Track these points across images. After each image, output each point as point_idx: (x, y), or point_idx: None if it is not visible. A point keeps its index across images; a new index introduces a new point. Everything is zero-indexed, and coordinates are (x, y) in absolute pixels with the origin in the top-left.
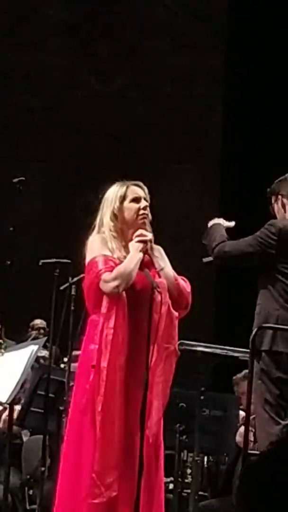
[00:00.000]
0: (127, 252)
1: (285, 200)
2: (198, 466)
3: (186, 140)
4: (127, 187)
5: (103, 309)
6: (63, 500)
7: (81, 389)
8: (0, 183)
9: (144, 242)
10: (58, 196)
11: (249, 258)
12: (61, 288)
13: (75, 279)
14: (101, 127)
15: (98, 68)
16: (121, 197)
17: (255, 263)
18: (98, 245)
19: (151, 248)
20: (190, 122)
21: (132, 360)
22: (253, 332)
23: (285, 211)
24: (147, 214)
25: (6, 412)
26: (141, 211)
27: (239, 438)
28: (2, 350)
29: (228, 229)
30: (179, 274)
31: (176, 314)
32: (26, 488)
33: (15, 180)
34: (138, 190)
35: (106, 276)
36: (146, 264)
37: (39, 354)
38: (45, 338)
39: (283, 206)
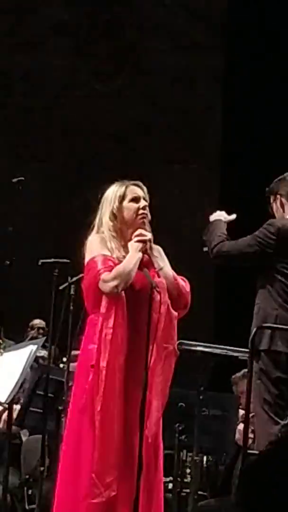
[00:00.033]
0: (126, 252)
1: (283, 200)
2: (197, 466)
3: (185, 140)
4: (126, 187)
5: (102, 309)
6: (62, 500)
7: (80, 389)
8: None
9: (143, 241)
10: (57, 196)
11: (248, 258)
12: (60, 288)
13: (74, 279)
14: (101, 127)
15: (98, 68)
16: (121, 196)
17: (254, 263)
18: (97, 245)
19: (150, 247)
20: (189, 122)
21: (131, 360)
22: (253, 332)
23: (283, 211)
24: (146, 214)
25: (6, 412)
26: (140, 211)
27: (238, 435)
28: (1, 350)
29: (229, 223)
30: (178, 274)
31: (175, 314)
32: (25, 488)
33: (15, 180)
34: (137, 189)
35: (105, 276)
36: (146, 263)
37: (38, 354)
38: (44, 338)
39: (282, 205)
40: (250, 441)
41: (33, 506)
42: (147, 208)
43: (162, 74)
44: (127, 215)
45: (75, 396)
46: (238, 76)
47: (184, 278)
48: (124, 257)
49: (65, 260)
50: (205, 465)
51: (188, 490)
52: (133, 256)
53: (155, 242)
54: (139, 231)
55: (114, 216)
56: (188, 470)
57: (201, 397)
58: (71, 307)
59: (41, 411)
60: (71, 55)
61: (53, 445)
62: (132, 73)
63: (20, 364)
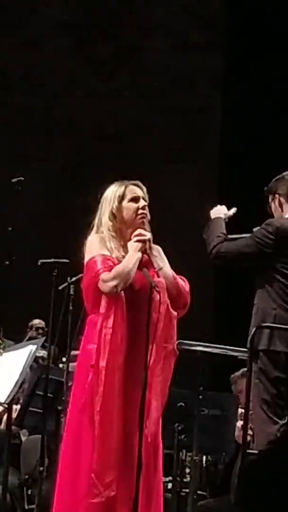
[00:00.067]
0: (126, 251)
1: (282, 199)
2: (197, 466)
3: (185, 140)
4: (126, 187)
5: (102, 309)
6: (62, 499)
7: (79, 389)
8: None
9: (143, 241)
10: (57, 196)
11: (247, 258)
12: (60, 288)
13: (73, 279)
14: (101, 127)
15: (97, 68)
16: (120, 196)
17: (253, 263)
18: (96, 244)
19: (150, 247)
20: (189, 122)
21: (131, 359)
22: (252, 332)
23: (282, 210)
24: (145, 214)
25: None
26: (140, 211)
27: (238, 432)
28: (1, 350)
29: (230, 220)
30: (178, 273)
31: (175, 313)
32: (25, 488)
33: (14, 180)
34: (136, 189)
35: (104, 275)
36: (145, 263)
37: (38, 354)
38: (44, 338)
39: (280, 205)
40: (248, 437)
41: (33, 506)
42: (147, 208)
43: (161, 74)
44: (127, 215)
45: (74, 396)
46: (237, 76)
47: (184, 278)
48: (123, 257)
49: (64, 260)
50: (204, 465)
51: (187, 490)
52: (133, 256)
53: (154, 242)
54: (138, 231)
55: (113, 216)
56: (187, 470)
57: (200, 396)
58: (71, 307)
59: (41, 411)
60: (71, 55)
61: (52, 445)
62: (132, 73)
63: (20, 364)
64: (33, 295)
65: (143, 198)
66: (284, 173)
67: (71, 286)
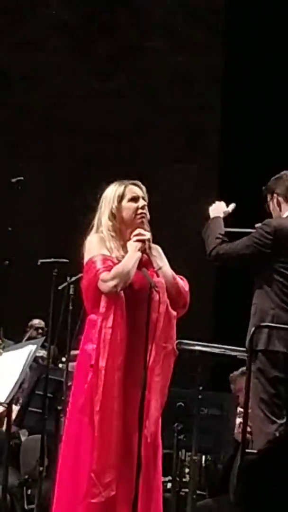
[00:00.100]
0: (125, 251)
1: (280, 199)
2: (196, 465)
3: (184, 139)
4: (125, 187)
5: (101, 309)
6: (61, 499)
7: (79, 389)
8: None
9: (142, 241)
10: (57, 196)
11: (246, 259)
12: (60, 287)
13: (73, 278)
14: (101, 126)
15: (97, 68)
16: (119, 196)
17: (252, 264)
18: (96, 244)
19: (149, 247)
20: (189, 121)
21: (130, 359)
22: (251, 332)
23: (280, 210)
24: (145, 213)
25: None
26: (139, 211)
27: (237, 430)
28: (1, 350)
29: (229, 217)
30: (177, 273)
31: (174, 313)
32: (24, 488)
33: (14, 180)
34: (136, 189)
35: (104, 275)
36: (145, 263)
37: (37, 354)
38: (43, 337)
39: (279, 204)
40: (249, 436)
41: (32, 506)
42: (146, 207)
43: (161, 74)
44: (126, 215)
45: (74, 396)
46: (237, 76)
47: (183, 278)
48: (123, 256)
49: (64, 260)
50: (203, 465)
51: (187, 490)
52: (132, 255)
53: (154, 242)
54: (138, 230)
55: (113, 216)
56: (187, 470)
57: (200, 396)
58: (70, 307)
59: (40, 411)
60: (70, 55)
61: (52, 445)
62: (131, 72)
63: (20, 364)
64: (33, 295)
65: (143, 198)
66: (282, 173)
67: (71, 286)
